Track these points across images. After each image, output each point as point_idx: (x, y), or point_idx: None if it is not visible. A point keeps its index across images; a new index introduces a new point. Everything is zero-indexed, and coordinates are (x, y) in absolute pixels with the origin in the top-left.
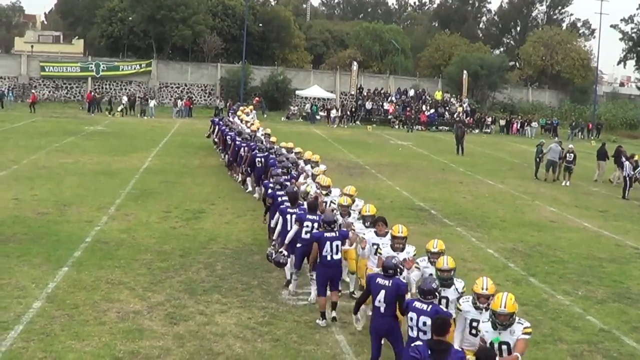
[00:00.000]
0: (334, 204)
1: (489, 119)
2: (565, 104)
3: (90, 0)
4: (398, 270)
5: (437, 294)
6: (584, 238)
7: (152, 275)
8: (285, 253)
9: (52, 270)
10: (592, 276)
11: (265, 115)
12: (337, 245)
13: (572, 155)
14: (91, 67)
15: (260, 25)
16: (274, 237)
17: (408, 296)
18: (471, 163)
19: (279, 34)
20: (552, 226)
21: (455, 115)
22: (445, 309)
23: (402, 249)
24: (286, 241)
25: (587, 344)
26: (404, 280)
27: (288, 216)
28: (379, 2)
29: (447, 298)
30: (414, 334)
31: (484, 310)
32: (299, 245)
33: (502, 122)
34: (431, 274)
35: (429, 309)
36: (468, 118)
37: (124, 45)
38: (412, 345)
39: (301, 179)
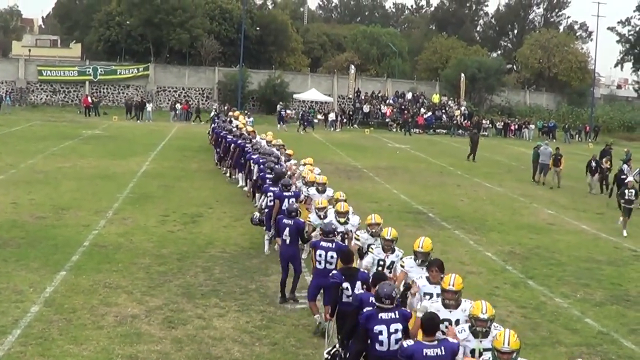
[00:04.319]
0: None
1: (487, 122)
2: (563, 106)
3: (87, 4)
4: (298, 212)
5: (336, 232)
6: (582, 240)
7: (150, 279)
8: (257, 214)
9: (50, 274)
10: (591, 278)
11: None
12: (292, 202)
13: (632, 192)
14: (89, 71)
15: (258, 28)
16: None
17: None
18: (469, 166)
19: (276, 38)
20: (550, 229)
21: (452, 119)
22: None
23: (456, 306)
24: (259, 207)
25: (585, 347)
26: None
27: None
28: (376, 6)
29: None
30: (322, 265)
31: None
32: (266, 210)
33: (500, 125)
34: (474, 350)
35: (333, 246)
36: (465, 121)
37: (122, 49)
38: (330, 274)
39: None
